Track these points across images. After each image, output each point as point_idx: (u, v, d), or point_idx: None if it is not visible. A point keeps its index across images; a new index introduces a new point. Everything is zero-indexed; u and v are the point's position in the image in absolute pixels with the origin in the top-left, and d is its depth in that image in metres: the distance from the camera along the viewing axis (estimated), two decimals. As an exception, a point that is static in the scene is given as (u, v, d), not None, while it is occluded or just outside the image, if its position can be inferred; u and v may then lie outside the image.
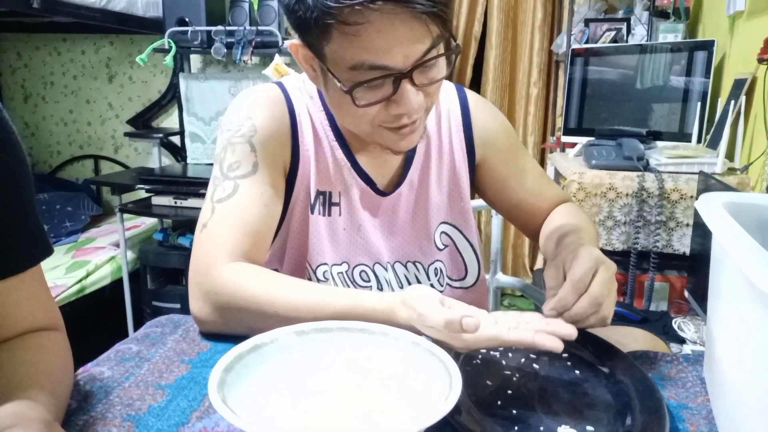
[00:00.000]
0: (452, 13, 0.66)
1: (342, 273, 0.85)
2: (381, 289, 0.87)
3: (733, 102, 1.69)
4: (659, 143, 1.90)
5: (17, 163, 0.55)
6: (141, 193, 2.59)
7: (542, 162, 2.94)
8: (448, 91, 0.90)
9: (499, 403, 0.56)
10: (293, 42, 0.71)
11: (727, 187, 1.36)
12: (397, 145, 0.75)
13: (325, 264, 0.84)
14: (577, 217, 0.89)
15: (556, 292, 0.63)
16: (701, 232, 1.48)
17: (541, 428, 0.52)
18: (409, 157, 0.87)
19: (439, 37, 0.65)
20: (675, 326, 1.52)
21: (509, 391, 0.58)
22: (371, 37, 0.62)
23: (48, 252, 0.58)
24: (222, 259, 0.71)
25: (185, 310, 2.41)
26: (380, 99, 0.68)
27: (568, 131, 2.26)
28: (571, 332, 0.57)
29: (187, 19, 2.59)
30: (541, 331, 0.56)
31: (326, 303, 0.65)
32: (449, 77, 0.80)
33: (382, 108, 0.69)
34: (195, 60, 3.08)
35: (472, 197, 0.95)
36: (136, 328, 1.74)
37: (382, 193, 0.85)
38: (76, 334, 0.66)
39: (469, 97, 0.91)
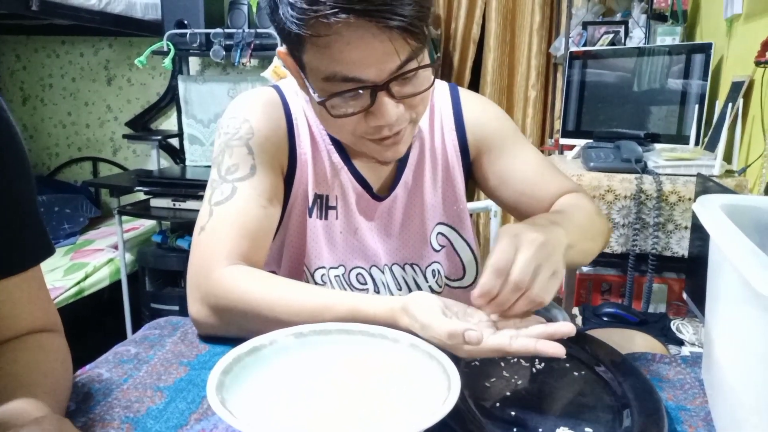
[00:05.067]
0: (428, 24, 0.64)
1: (339, 276, 0.85)
2: (378, 292, 0.87)
3: (730, 104, 1.69)
4: (657, 145, 1.90)
5: (21, 163, 0.55)
6: (139, 195, 2.58)
7: (541, 164, 2.93)
8: (441, 91, 0.90)
9: (497, 404, 0.56)
10: (280, 49, 0.71)
11: (725, 190, 1.36)
12: (382, 156, 0.74)
13: (323, 267, 0.84)
14: (572, 204, 0.84)
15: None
16: (699, 235, 1.48)
17: (540, 430, 0.52)
18: (403, 159, 0.86)
19: (418, 50, 0.64)
20: (673, 328, 1.52)
21: (508, 393, 0.58)
22: (342, 49, 0.62)
23: (50, 251, 0.59)
24: (220, 261, 0.71)
25: (184, 312, 2.41)
26: (357, 110, 0.67)
27: (566, 134, 2.26)
28: (570, 329, 0.56)
29: (185, 22, 2.59)
30: (542, 335, 0.56)
31: (326, 308, 0.65)
32: (447, 80, 0.80)
33: (361, 119, 0.69)
34: (194, 62, 3.08)
35: (472, 196, 0.94)
36: (135, 330, 1.74)
37: (378, 197, 0.85)
38: (75, 336, 0.66)
39: (461, 96, 0.90)
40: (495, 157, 0.89)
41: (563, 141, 2.29)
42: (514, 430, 0.52)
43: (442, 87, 0.90)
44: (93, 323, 2.46)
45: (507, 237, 0.59)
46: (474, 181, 0.93)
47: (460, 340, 0.54)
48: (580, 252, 0.76)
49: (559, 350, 0.54)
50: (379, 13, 0.59)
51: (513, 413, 0.54)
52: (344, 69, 0.63)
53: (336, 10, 0.58)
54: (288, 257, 0.84)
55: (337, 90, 0.65)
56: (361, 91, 0.66)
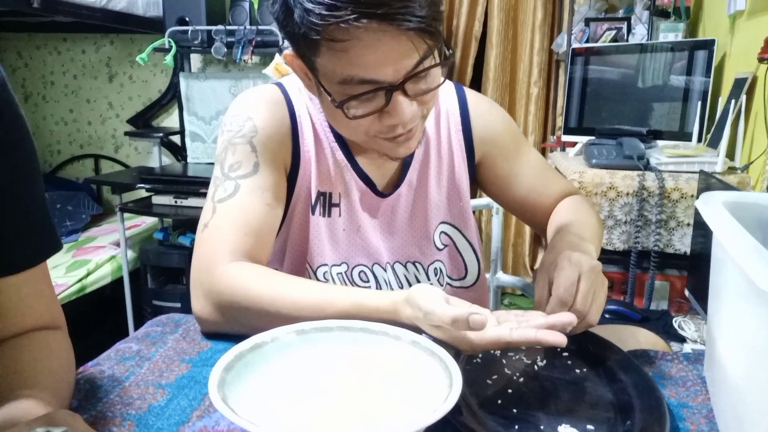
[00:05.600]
0: (442, 23, 0.65)
1: (341, 273, 0.85)
2: (380, 289, 0.87)
3: (733, 101, 1.69)
4: (660, 142, 1.90)
5: (32, 160, 0.56)
6: (141, 193, 2.59)
7: (542, 161, 2.93)
8: (447, 91, 0.90)
9: (499, 402, 0.56)
10: (287, 53, 0.71)
11: (728, 186, 1.36)
12: (395, 152, 0.75)
13: (326, 265, 0.84)
14: (580, 211, 0.88)
15: (542, 305, 0.65)
16: (702, 232, 1.48)
17: (542, 427, 0.52)
18: (408, 157, 0.86)
19: (431, 48, 0.64)
20: (675, 325, 1.52)
21: (510, 390, 0.58)
22: (359, 53, 0.62)
23: (58, 247, 0.59)
24: (224, 258, 0.71)
25: (185, 309, 2.41)
26: (372, 111, 0.68)
27: (568, 130, 2.26)
28: (572, 320, 0.58)
29: (187, 19, 2.59)
30: (543, 325, 0.57)
31: (329, 302, 0.65)
32: (449, 77, 0.80)
33: (375, 119, 0.69)
34: (195, 59, 3.08)
35: (476, 195, 0.94)
36: (137, 327, 1.74)
37: (382, 195, 0.85)
38: (77, 333, 0.66)
39: (468, 96, 0.91)
40: (503, 159, 0.91)
41: (565, 138, 2.29)
42: (516, 427, 0.52)
43: (447, 86, 0.90)
44: (95, 320, 2.46)
45: (569, 266, 0.64)
46: (476, 182, 0.94)
47: (464, 326, 0.54)
48: None
49: (559, 339, 0.55)
50: (400, 16, 0.59)
51: (515, 410, 0.54)
52: (361, 72, 0.64)
53: (357, 15, 0.58)
54: (291, 255, 0.84)
55: (353, 92, 0.66)
56: (374, 95, 0.66)
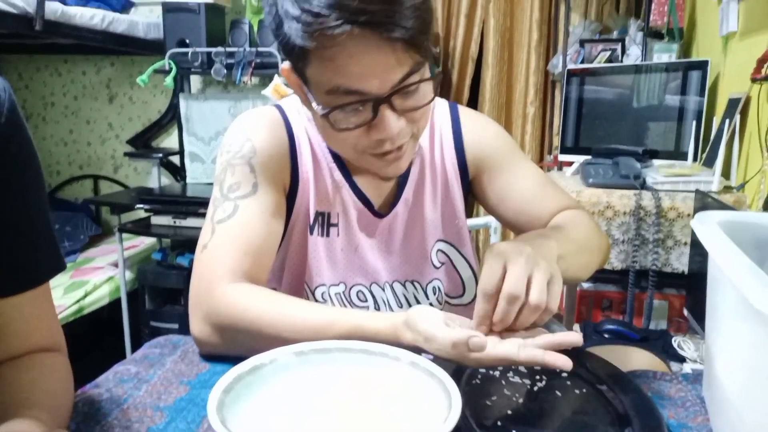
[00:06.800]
0: (430, 39, 0.66)
1: (339, 294, 0.85)
2: (378, 309, 0.87)
3: (727, 121, 1.70)
4: (656, 162, 1.91)
5: (39, 181, 0.56)
6: (140, 213, 2.59)
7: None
8: (441, 109, 0.91)
9: (498, 423, 0.56)
10: (284, 66, 0.72)
11: (724, 206, 1.37)
12: (384, 172, 0.75)
13: (324, 285, 0.84)
14: (571, 222, 0.83)
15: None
16: (699, 251, 1.48)
17: (541, 448, 0.52)
18: (404, 176, 0.87)
19: (419, 63, 0.65)
20: (675, 345, 1.52)
21: (509, 411, 0.57)
22: (345, 62, 0.63)
23: (62, 266, 0.59)
24: (223, 279, 0.71)
25: (184, 330, 2.40)
26: (360, 124, 0.68)
27: (565, 150, 2.27)
28: (577, 339, 0.58)
29: (187, 41, 2.62)
30: (549, 344, 0.57)
31: (329, 325, 0.65)
32: (446, 97, 0.81)
33: (363, 133, 0.69)
34: (195, 81, 3.11)
35: (472, 212, 0.94)
36: (134, 348, 1.73)
37: (379, 215, 0.86)
38: (75, 355, 0.66)
39: (461, 114, 0.91)
40: (494, 175, 0.90)
41: (562, 157, 2.30)
42: (516, 448, 0.51)
43: (442, 105, 0.91)
44: (92, 342, 2.45)
45: (492, 257, 0.60)
46: (475, 197, 0.94)
47: (464, 349, 0.54)
48: (576, 264, 0.77)
49: (566, 363, 0.55)
50: (382, 25, 0.60)
51: (514, 431, 0.54)
52: (347, 82, 0.64)
53: (340, 21, 0.60)
54: (289, 275, 0.84)
55: (338, 103, 0.66)
56: (361, 107, 0.67)
